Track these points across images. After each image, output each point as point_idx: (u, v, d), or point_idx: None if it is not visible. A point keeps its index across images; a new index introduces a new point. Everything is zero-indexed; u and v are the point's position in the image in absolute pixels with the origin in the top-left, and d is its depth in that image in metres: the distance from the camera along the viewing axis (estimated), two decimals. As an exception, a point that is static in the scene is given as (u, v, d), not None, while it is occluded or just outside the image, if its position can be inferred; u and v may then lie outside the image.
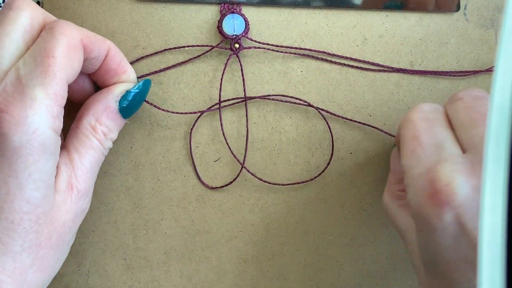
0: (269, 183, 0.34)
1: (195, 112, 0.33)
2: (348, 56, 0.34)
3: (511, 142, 0.17)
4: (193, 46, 0.33)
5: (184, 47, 0.33)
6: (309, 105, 0.33)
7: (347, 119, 0.34)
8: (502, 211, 0.17)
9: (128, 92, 0.30)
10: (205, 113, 0.34)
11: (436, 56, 0.34)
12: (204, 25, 0.34)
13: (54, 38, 0.26)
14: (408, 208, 0.29)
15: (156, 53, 0.33)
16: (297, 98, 0.33)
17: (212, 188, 0.33)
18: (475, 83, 0.34)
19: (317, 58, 0.34)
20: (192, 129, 0.34)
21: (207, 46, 0.33)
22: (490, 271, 0.16)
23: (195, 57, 0.33)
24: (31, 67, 0.25)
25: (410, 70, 0.34)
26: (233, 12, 0.33)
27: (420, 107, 0.28)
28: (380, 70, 0.34)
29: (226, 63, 0.33)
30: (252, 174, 0.33)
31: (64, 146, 0.28)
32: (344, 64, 0.34)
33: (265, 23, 0.34)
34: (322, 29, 0.34)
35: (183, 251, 0.34)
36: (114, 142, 0.33)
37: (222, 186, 0.33)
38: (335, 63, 0.34)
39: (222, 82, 0.33)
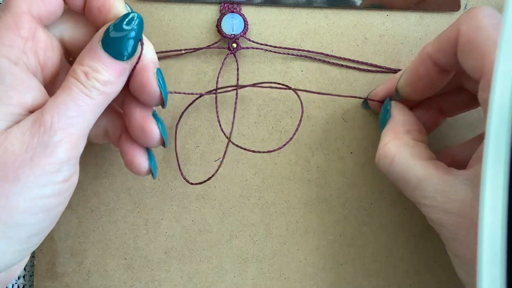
0: (253, 151, 0.33)
1: (192, 93, 0.33)
2: (349, 55, 0.34)
3: (511, 142, 0.17)
4: (190, 49, 0.33)
5: (180, 50, 0.33)
6: (289, 88, 0.33)
7: (319, 93, 0.34)
8: (502, 211, 0.17)
9: (108, 28, 0.27)
10: (205, 113, 0.34)
11: (436, 55, 0.34)
12: (204, 24, 0.34)
13: None
14: (424, 155, 0.28)
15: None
16: (279, 84, 0.32)
17: (192, 183, 0.33)
18: (476, 83, 0.34)
19: (317, 59, 0.34)
20: (183, 112, 0.34)
21: (206, 47, 0.33)
22: (490, 271, 0.16)
23: (191, 51, 0.33)
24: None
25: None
26: (232, 12, 0.33)
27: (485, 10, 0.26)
28: (379, 71, 0.34)
29: (223, 62, 0.33)
30: (240, 147, 0.32)
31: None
32: (344, 64, 0.34)
33: (265, 23, 0.34)
34: (323, 29, 0.34)
35: (183, 251, 0.34)
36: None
37: (204, 181, 0.32)
38: (335, 63, 0.34)
39: (221, 83, 0.34)
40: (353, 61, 0.34)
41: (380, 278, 0.34)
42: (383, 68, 0.34)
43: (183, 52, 0.33)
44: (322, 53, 0.34)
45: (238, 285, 0.34)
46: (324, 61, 0.34)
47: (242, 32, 0.33)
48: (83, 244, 0.33)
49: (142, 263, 0.34)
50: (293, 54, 0.34)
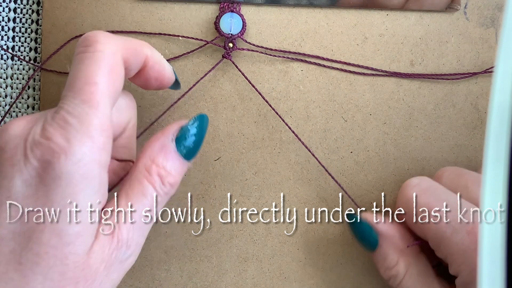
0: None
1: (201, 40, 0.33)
2: (349, 55, 0.34)
3: (511, 142, 0.17)
4: (188, 37, 0.33)
5: (178, 36, 0.33)
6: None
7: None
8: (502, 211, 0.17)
9: (184, 128, 0.27)
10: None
11: (436, 55, 0.34)
12: (204, 24, 0.34)
13: (93, 61, 0.24)
14: (430, 271, 0.30)
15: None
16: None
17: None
18: (475, 83, 0.34)
19: (317, 58, 0.34)
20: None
21: (201, 40, 0.33)
22: (490, 271, 0.16)
23: (189, 52, 0.33)
24: (70, 94, 0.23)
25: (408, 74, 0.34)
26: (232, 11, 0.33)
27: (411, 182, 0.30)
28: (377, 75, 0.34)
29: (219, 61, 0.33)
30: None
31: (118, 192, 0.26)
32: (345, 63, 0.34)
33: (265, 22, 0.34)
34: (323, 28, 0.34)
35: (183, 250, 0.34)
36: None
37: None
38: (336, 63, 0.34)
39: (222, 83, 0.34)
40: (352, 65, 0.34)
41: (380, 278, 0.34)
42: (381, 72, 0.34)
43: (180, 38, 0.33)
44: (319, 57, 0.34)
45: (238, 284, 0.34)
46: (324, 59, 0.34)
47: (239, 33, 0.33)
48: (83, 243, 0.33)
49: (142, 263, 0.34)
50: (291, 58, 0.34)
